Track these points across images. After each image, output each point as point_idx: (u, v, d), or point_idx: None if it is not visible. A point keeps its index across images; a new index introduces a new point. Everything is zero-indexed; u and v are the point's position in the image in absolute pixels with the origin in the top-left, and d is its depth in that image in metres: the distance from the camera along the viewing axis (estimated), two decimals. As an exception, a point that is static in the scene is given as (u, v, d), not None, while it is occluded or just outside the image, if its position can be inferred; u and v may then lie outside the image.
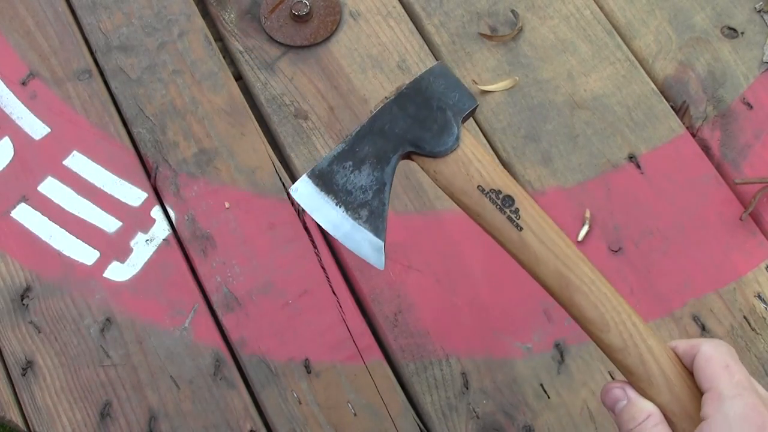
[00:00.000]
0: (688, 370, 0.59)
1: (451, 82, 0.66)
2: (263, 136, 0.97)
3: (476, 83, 0.99)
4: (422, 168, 0.66)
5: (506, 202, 0.64)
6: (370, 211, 0.65)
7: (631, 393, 0.60)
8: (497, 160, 0.68)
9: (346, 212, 0.65)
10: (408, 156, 0.66)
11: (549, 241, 0.63)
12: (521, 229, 0.63)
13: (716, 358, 0.57)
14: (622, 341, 0.60)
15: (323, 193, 0.65)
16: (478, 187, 0.64)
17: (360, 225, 0.65)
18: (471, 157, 0.64)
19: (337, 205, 0.65)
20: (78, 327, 0.87)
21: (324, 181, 0.65)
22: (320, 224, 0.66)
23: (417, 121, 0.65)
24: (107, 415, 0.84)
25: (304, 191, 0.65)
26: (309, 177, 0.65)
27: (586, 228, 0.92)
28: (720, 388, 0.56)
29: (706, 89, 1.00)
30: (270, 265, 0.90)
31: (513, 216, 0.63)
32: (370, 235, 0.65)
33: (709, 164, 0.96)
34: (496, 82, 0.99)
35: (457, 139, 0.64)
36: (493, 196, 0.64)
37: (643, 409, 0.58)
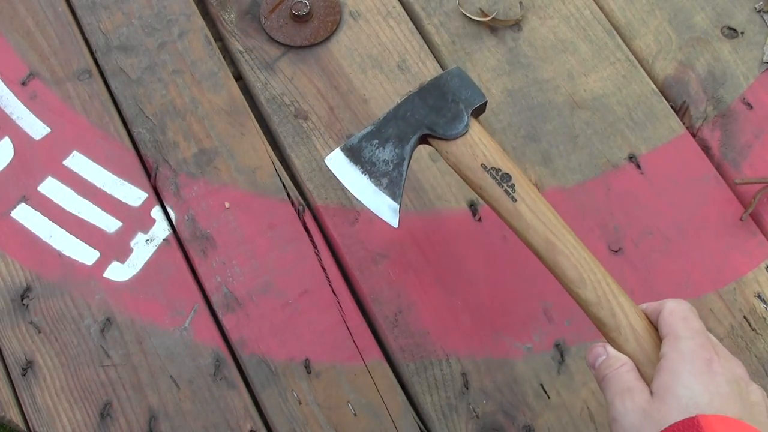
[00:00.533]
0: (654, 325, 0.68)
1: (465, 82, 0.79)
2: (263, 136, 0.97)
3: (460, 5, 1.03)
4: (436, 149, 0.78)
5: (504, 178, 0.75)
6: (390, 180, 0.78)
7: (610, 349, 0.68)
8: (500, 146, 0.78)
9: (370, 179, 0.78)
10: (425, 139, 0.79)
11: (539, 212, 0.73)
12: (516, 200, 0.74)
13: (677, 311, 0.67)
14: (596, 297, 0.70)
15: (352, 163, 0.79)
16: (481, 165, 0.75)
17: (381, 190, 0.78)
18: (477, 141, 0.76)
19: (363, 173, 0.78)
20: (78, 327, 0.87)
21: (353, 154, 0.79)
22: (348, 188, 0.79)
23: (434, 110, 0.78)
24: (107, 415, 0.84)
25: (337, 161, 0.79)
26: (341, 150, 0.79)
27: None
28: (677, 332, 0.65)
29: (706, 89, 1.00)
30: (270, 265, 0.90)
31: (509, 190, 0.74)
32: (389, 199, 0.78)
33: (709, 164, 0.96)
34: (494, 75, 1.00)
35: (467, 126, 0.77)
36: (494, 173, 0.75)
37: (619, 358, 0.67)
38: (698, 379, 0.62)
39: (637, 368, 0.66)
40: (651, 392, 0.64)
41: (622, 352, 0.68)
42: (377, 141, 0.78)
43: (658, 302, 0.69)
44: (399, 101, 0.80)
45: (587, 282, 0.70)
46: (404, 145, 0.78)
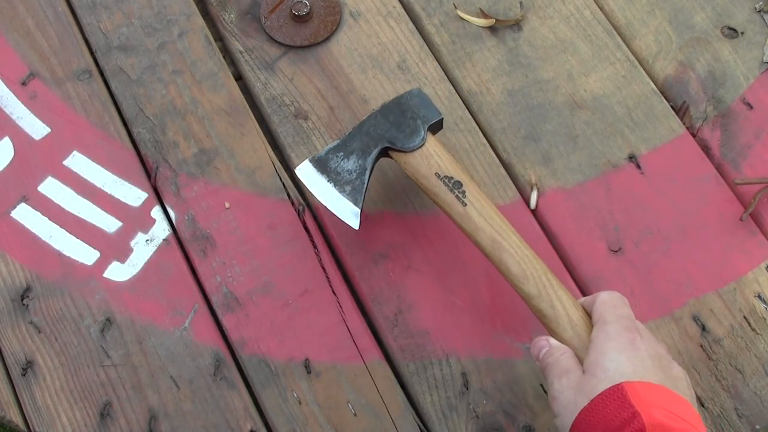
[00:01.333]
0: (589, 315, 0.76)
1: (424, 101, 0.87)
2: (263, 136, 0.97)
3: (456, 7, 1.04)
4: (395, 160, 0.86)
5: (456, 185, 0.83)
6: (353, 187, 0.85)
7: (552, 341, 0.76)
8: (454, 157, 0.86)
9: (335, 187, 0.85)
10: (386, 152, 0.86)
11: (487, 215, 0.81)
12: (466, 205, 0.82)
13: (607, 301, 0.75)
14: (537, 290, 0.77)
15: (319, 172, 0.86)
16: (435, 173, 0.83)
17: (343, 196, 0.85)
18: (432, 153, 0.84)
19: (328, 181, 0.86)
20: (78, 327, 0.87)
21: (321, 164, 0.86)
22: (315, 195, 0.86)
23: (394, 126, 0.86)
24: (107, 415, 0.84)
25: (306, 171, 0.87)
26: (310, 161, 0.87)
27: (535, 194, 0.93)
28: (605, 317, 0.73)
29: (706, 89, 1.00)
30: (270, 265, 0.90)
31: (460, 195, 0.82)
32: (351, 204, 0.85)
33: (709, 164, 0.96)
34: (492, 75, 1.00)
35: (423, 139, 0.85)
36: (446, 180, 0.83)
37: (560, 347, 0.75)
38: (623, 353, 0.70)
39: (576, 354, 0.74)
40: (584, 371, 0.71)
41: (561, 341, 0.75)
42: (342, 153, 0.86)
43: (594, 295, 0.77)
44: (363, 119, 0.87)
45: (529, 277, 0.78)
46: (366, 156, 0.85)
